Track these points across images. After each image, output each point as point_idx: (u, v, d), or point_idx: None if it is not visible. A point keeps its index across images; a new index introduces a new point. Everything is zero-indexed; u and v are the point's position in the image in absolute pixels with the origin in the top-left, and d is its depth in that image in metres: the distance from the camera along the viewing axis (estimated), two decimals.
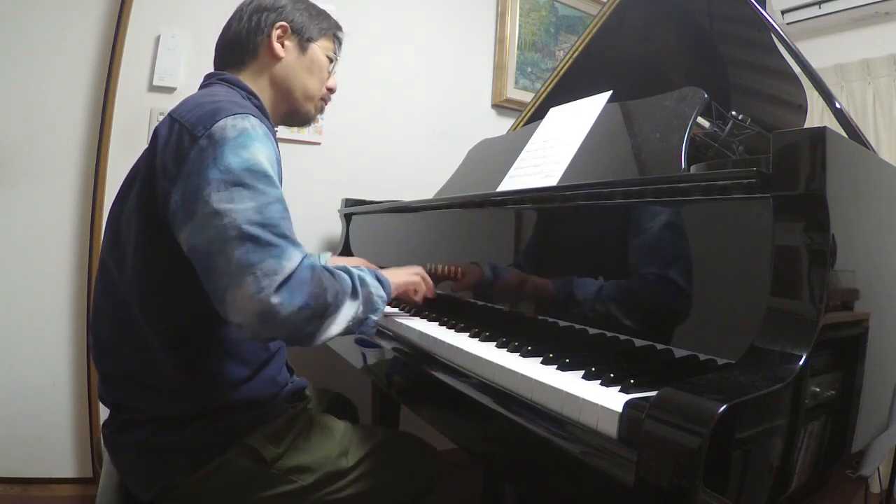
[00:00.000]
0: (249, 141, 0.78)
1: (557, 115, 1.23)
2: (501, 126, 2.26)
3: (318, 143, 1.92)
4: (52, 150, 1.56)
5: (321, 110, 1.07)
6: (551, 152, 1.12)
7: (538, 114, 1.45)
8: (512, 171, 1.20)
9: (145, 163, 0.83)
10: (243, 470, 0.86)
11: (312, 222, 1.90)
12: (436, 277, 1.16)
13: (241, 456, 0.86)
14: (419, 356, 0.91)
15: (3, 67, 1.51)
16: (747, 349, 0.56)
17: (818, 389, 0.56)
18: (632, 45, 1.51)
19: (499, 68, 2.28)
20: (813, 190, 0.56)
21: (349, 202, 1.77)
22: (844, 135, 0.89)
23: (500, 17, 2.30)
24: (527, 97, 2.14)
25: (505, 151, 1.33)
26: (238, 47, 0.97)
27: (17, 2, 1.52)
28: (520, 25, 2.31)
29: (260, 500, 0.87)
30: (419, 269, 1.09)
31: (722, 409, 0.44)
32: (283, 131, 1.84)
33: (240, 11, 0.99)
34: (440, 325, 1.00)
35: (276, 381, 0.95)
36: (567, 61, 1.58)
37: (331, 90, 1.07)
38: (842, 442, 0.60)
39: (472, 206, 1.13)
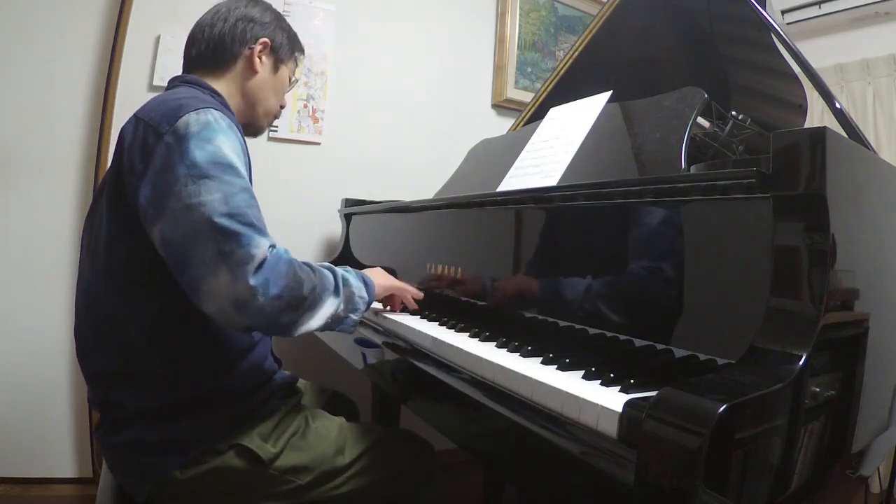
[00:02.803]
0: (213, 134, 0.80)
1: (557, 114, 1.23)
2: (501, 126, 2.25)
3: (318, 143, 1.92)
4: (52, 150, 1.56)
5: (270, 125, 1.11)
6: (551, 152, 1.12)
7: (538, 114, 1.45)
8: (512, 171, 1.20)
9: (114, 167, 0.85)
10: (240, 471, 0.86)
11: (312, 222, 1.90)
12: (437, 279, 1.16)
13: (237, 457, 0.86)
14: (419, 356, 0.90)
15: (4, 67, 1.51)
16: (747, 349, 0.56)
17: (818, 389, 0.56)
18: (632, 45, 1.51)
19: (499, 68, 2.28)
20: (813, 190, 0.56)
21: (349, 202, 1.77)
22: (844, 135, 0.88)
23: (500, 17, 2.30)
24: (527, 97, 2.14)
25: (505, 151, 1.33)
26: (220, 49, 0.97)
27: (18, 2, 1.52)
28: (520, 25, 2.31)
29: (257, 501, 0.87)
30: (402, 288, 1.11)
31: (722, 409, 0.44)
32: (283, 131, 1.85)
33: (225, 13, 0.98)
34: (440, 325, 1.00)
35: (261, 370, 0.95)
36: (567, 61, 1.58)
37: (282, 107, 1.09)
38: (842, 442, 0.60)
39: (473, 206, 1.13)
